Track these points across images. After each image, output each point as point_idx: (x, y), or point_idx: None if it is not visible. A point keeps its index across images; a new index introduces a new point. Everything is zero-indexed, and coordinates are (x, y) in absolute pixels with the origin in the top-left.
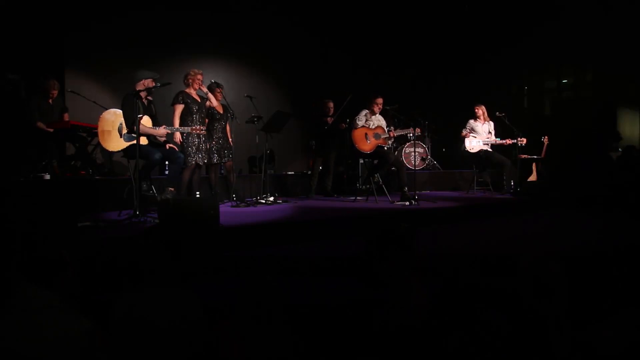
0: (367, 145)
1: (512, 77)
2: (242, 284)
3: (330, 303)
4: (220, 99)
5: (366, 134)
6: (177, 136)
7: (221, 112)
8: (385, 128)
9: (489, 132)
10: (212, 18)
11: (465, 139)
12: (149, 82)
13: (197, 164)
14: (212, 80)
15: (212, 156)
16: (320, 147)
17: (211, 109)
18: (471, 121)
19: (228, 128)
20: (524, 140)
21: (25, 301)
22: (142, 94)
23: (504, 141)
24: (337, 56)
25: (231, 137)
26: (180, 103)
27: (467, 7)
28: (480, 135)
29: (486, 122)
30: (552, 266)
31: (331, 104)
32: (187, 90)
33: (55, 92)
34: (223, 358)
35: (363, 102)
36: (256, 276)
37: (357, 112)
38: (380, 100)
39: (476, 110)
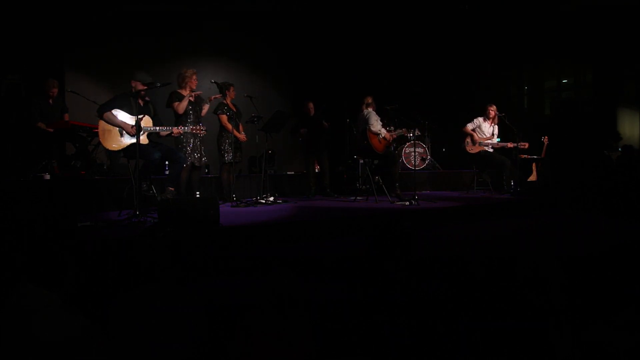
0: (379, 145)
1: (512, 77)
2: (240, 283)
3: (334, 302)
4: (233, 97)
5: (379, 135)
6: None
7: (235, 110)
8: None
9: (493, 134)
10: (212, 18)
11: (469, 135)
12: (137, 85)
13: (193, 164)
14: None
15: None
16: (310, 148)
17: (228, 108)
18: (480, 119)
19: (241, 127)
20: (526, 145)
21: (25, 301)
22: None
23: (505, 144)
24: (336, 56)
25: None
26: (178, 102)
27: (466, 7)
28: (484, 135)
29: (494, 124)
30: (551, 266)
31: (311, 105)
32: (180, 90)
33: (55, 92)
34: (236, 354)
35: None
36: (280, 273)
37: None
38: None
39: (489, 110)
